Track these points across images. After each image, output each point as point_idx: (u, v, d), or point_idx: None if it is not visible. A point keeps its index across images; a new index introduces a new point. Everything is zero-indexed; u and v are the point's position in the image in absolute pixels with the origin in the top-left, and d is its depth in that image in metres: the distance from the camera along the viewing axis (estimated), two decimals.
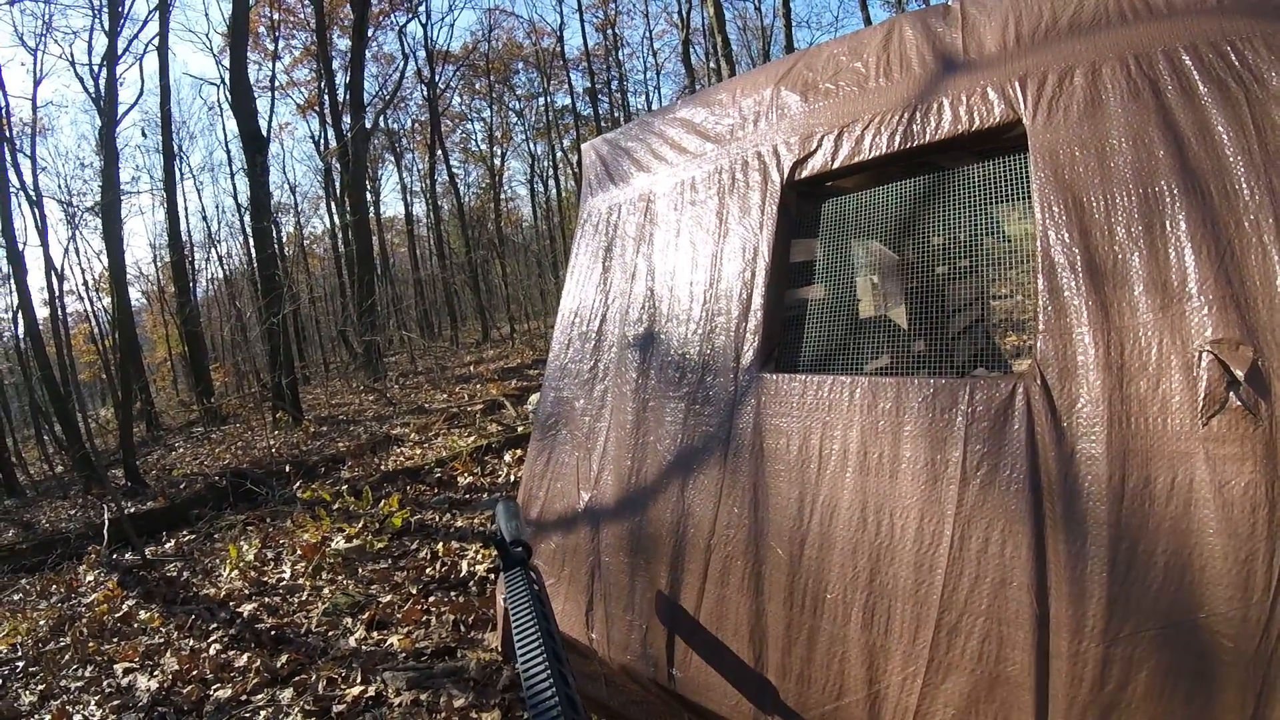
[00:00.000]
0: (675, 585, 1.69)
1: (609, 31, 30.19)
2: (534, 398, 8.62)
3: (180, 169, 24.10)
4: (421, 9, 31.61)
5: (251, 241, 18.77)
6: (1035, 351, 1.22)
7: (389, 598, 4.08)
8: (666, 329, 1.93)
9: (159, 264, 28.59)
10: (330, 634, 3.79)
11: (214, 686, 3.47)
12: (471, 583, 4.12)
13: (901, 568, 1.29)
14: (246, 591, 4.65)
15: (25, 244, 16.61)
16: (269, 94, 25.88)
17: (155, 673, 3.78)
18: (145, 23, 23.79)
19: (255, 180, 13.52)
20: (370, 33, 22.51)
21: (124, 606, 4.93)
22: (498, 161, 32.28)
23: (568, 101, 32.01)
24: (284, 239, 26.89)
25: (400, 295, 29.97)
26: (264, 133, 15.46)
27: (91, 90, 18.88)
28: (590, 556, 1.93)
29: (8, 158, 14.18)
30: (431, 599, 3.95)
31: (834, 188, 1.86)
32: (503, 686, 2.93)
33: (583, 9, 28.46)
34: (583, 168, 2.51)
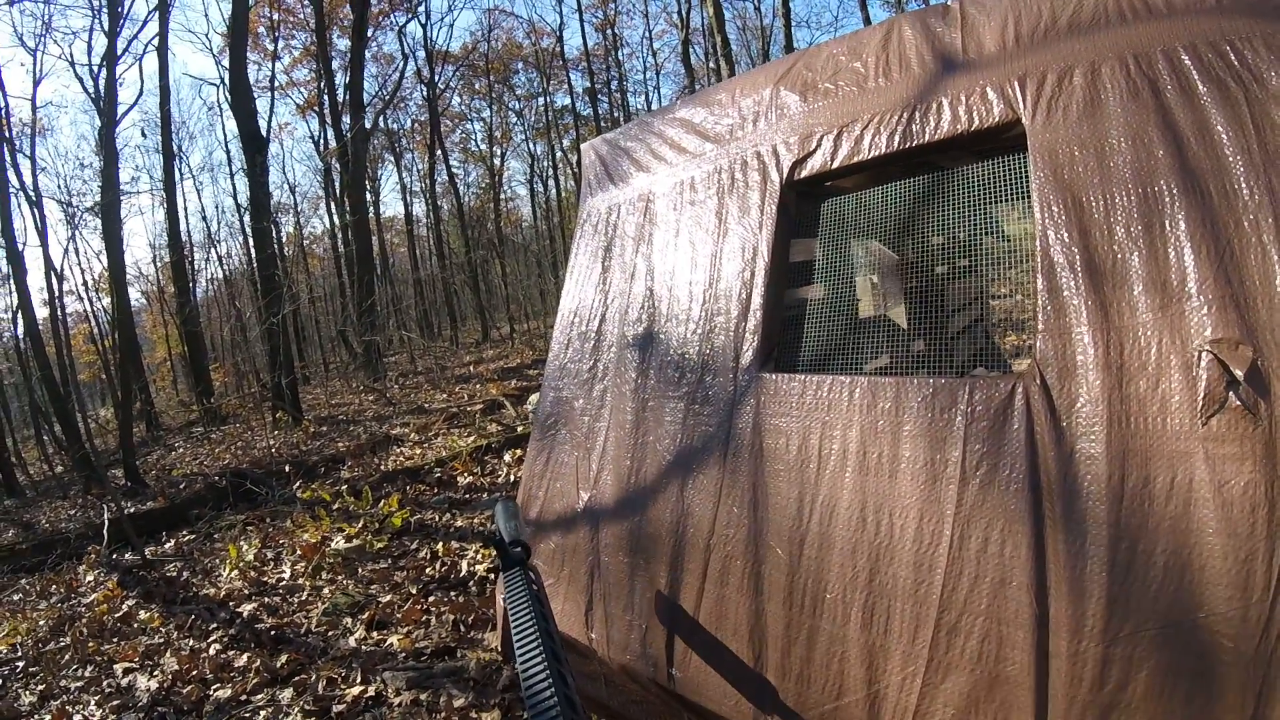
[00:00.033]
0: (675, 585, 1.69)
1: (608, 31, 30.21)
2: (533, 397, 8.62)
3: (180, 169, 24.13)
4: (421, 9, 31.60)
5: (251, 241, 18.76)
6: (1035, 351, 1.22)
7: (389, 598, 4.08)
8: (666, 329, 1.93)
9: (159, 264, 28.61)
10: (330, 634, 3.79)
11: (214, 686, 3.47)
12: (471, 582, 4.12)
13: (901, 567, 1.29)
14: (246, 591, 4.65)
15: (25, 244, 16.63)
16: (269, 94, 25.91)
17: (155, 673, 3.78)
18: (145, 23, 23.81)
19: (255, 180, 13.52)
20: (370, 33, 22.51)
21: (124, 606, 4.93)
22: (497, 161, 32.31)
23: (567, 101, 32.03)
24: (284, 239, 26.91)
25: (400, 295, 29.97)
26: (264, 133, 15.47)
27: (91, 90, 18.89)
28: (590, 556, 1.93)
29: (7, 158, 14.18)
30: (431, 599, 3.95)
31: (833, 187, 1.86)
32: (503, 686, 2.93)
33: (582, 9, 28.48)
34: (582, 168, 2.51)
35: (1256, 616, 0.94)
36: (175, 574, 5.49)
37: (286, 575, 4.83)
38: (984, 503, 1.21)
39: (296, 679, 3.35)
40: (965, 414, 1.27)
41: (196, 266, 26.57)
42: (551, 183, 34.40)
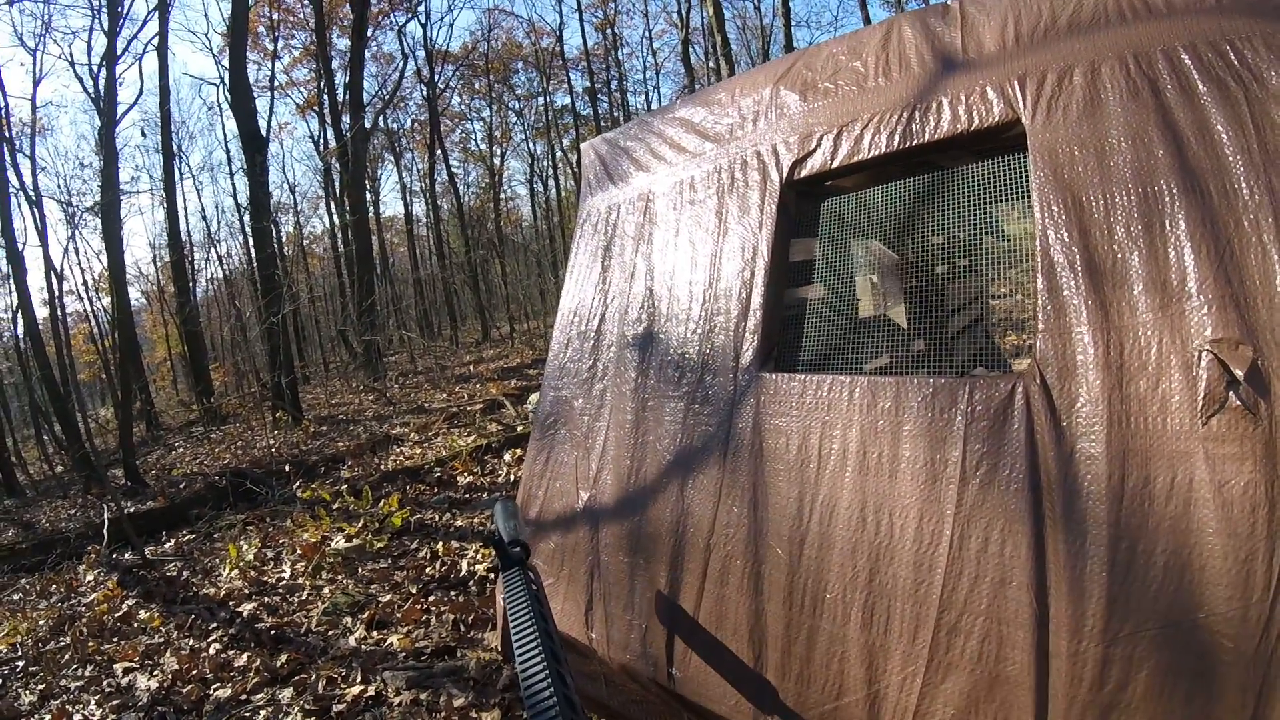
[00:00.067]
0: (675, 585, 1.69)
1: (608, 31, 30.19)
2: (533, 397, 8.62)
3: (180, 169, 24.12)
4: (421, 9, 31.60)
5: (251, 241, 18.74)
6: (1035, 351, 1.21)
7: (389, 597, 4.08)
8: (666, 328, 1.93)
9: (158, 264, 28.62)
10: (330, 633, 3.79)
11: (214, 686, 3.47)
12: (471, 582, 4.12)
13: (901, 567, 1.29)
14: (246, 591, 4.65)
15: (25, 244, 16.64)
16: (268, 94, 25.89)
17: (155, 672, 3.78)
18: (144, 23, 23.80)
19: (255, 180, 13.51)
20: (370, 32, 22.50)
21: (124, 606, 4.93)
22: (497, 161, 32.28)
23: (567, 101, 32.00)
24: (283, 239, 26.90)
25: (400, 295, 29.97)
26: (263, 132, 15.47)
27: (91, 90, 18.89)
28: (589, 556, 1.93)
29: (7, 158, 14.18)
30: (431, 598, 3.95)
31: (833, 187, 1.86)
32: (502, 686, 2.93)
33: (582, 8, 28.45)
34: (582, 167, 2.51)
35: (1256, 616, 0.94)
36: (175, 573, 5.49)
37: (286, 575, 4.82)
38: (984, 502, 1.21)
39: (296, 678, 3.35)
40: (965, 414, 1.27)
41: (196, 266, 26.59)
42: (551, 182, 34.41)
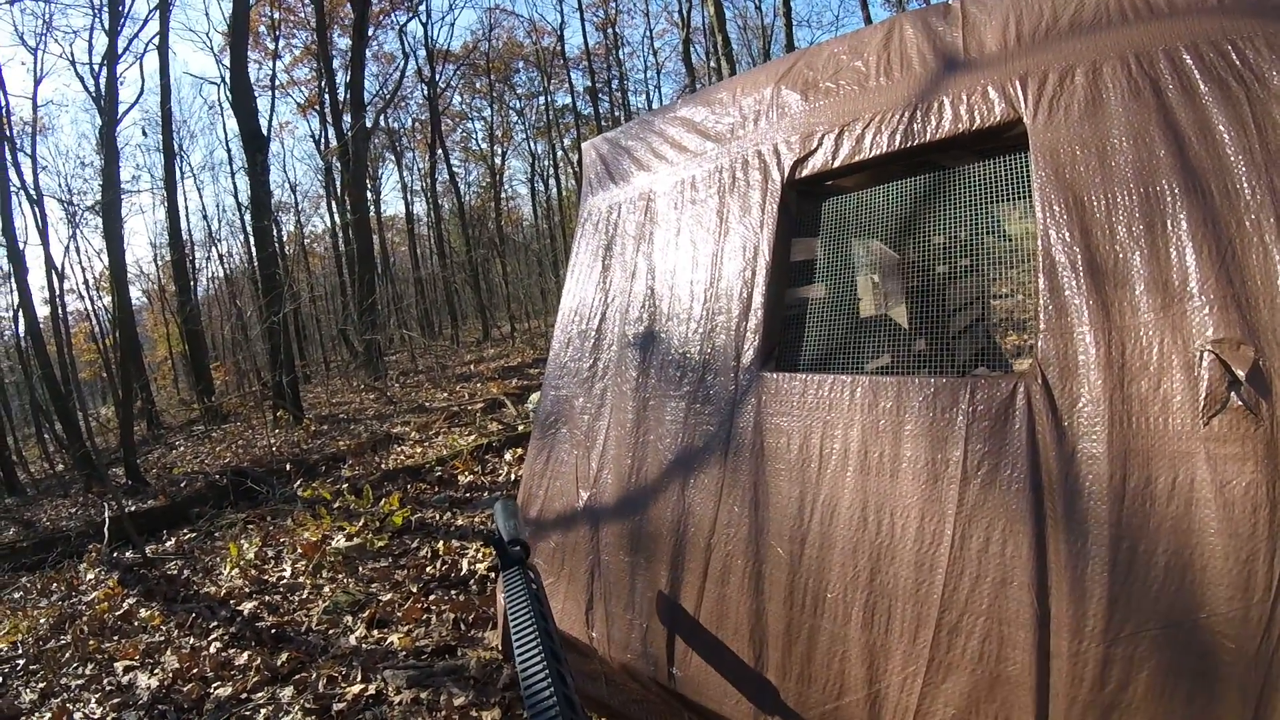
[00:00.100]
0: (675, 584, 1.69)
1: (609, 30, 30.16)
2: (534, 396, 8.62)
3: (181, 168, 24.10)
4: (422, 8, 31.59)
5: (252, 240, 18.78)
6: (1036, 351, 1.21)
7: (389, 596, 4.08)
8: (667, 328, 1.93)
9: (159, 263, 28.60)
10: (331, 632, 3.79)
11: (214, 684, 3.47)
12: (472, 581, 4.12)
13: (902, 567, 1.29)
14: (247, 590, 4.65)
15: (26, 243, 16.66)
16: (269, 93, 25.88)
17: (156, 671, 3.78)
18: (145, 22, 23.77)
19: (255, 179, 13.51)
20: (370, 32, 22.51)
21: (124, 604, 4.93)
22: (498, 160, 32.25)
23: (568, 100, 32.00)
24: (284, 238, 26.92)
25: (401, 294, 29.98)
26: (264, 132, 15.47)
27: (92, 89, 18.87)
28: (590, 555, 1.93)
29: (8, 157, 14.18)
30: (432, 597, 3.95)
31: (834, 187, 1.85)
32: (503, 685, 2.93)
33: (583, 8, 28.43)
34: (583, 166, 2.51)
35: (1258, 617, 0.93)
36: (176, 572, 5.49)
37: (287, 574, 4.83)
38: (985, 502, 1.21)
39: (297, 677, 3.35)
40: (966, 413, 1.27)
41: (197, 265, 26.56)
42: (552, 181, 34.40)
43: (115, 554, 6.37)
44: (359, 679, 3.19)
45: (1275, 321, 0.98)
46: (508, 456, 6.71)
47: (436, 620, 3.67)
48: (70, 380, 15.12)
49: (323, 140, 27.14)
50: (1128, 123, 1.18)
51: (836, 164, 1.61)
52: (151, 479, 10.73)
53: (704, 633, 1.60)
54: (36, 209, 16.53)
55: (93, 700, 3.63)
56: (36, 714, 3.64)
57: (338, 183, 24.72)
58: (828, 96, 1.67)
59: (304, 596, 4.39)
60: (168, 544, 6.53)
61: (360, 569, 4.59)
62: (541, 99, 31.11)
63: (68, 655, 4.27)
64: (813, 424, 1.50)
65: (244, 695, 3.30)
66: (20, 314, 16.74)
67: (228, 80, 16.21)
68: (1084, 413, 1.13)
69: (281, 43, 26.04)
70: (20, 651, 4.57)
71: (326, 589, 4.40)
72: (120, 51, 15.26)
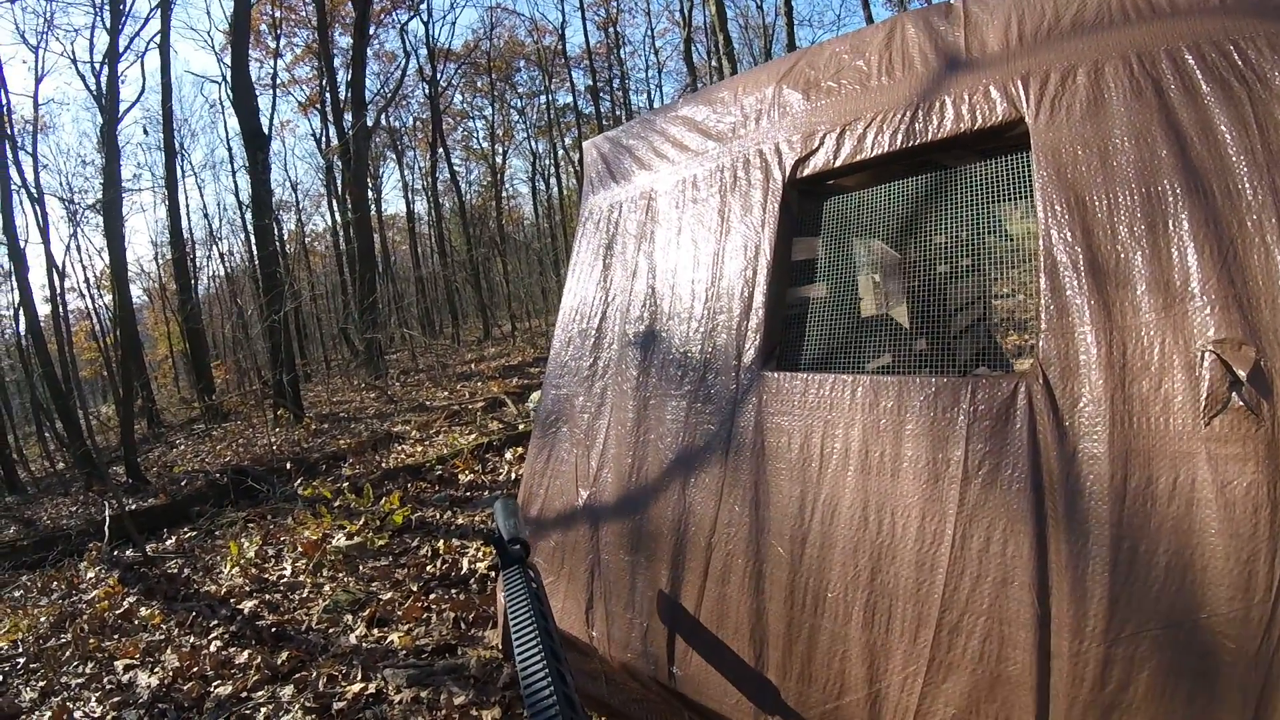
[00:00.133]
0: (676, 583, 1.69)
1: (611, 29, 30.16)
2: (535, 395, 8.62)
3: (182, 166, 24.10)
4: (423, 7, 31.62)
5: (253, 239, 18.80)
6: (1037, 351, 1.21)
7: (390, 595, 4.09)
8: (668, 327, 1.93)
9: (160, 261, 28.61)
10: (331, 631, 3.79)
11: (214, 683, 3.47)
12: (472, 580, 4.12)
13: (903, 567, 1.29)
14: (247, 588, 4.65)
15: (27, 241, 16.69)
16: (270, 91, 25.88)
17: (156, 669, 3.78)
18: (147, 20, 23.87)
19: (256, 178, 13.51)
20: (372, 30, 22.49)
21: (125, 603, 4.94)
22: (499, 159, 32.24)
23: (569, 99, 32.05)
24: (285, 236, 26.88)
25: (402, 293, 29.99)
26: (265, 130, 15.46)
27: (93, 88, 18.88)
28: (590, 554, 1.93)
29: (9, 155, 14.20)
30: (432, 596, 3.95)
31: (836, 186, 1.85)
32: (503, 684, 2.93)
33: (584, 7, 28.42)
34: (584, 165, 2.51)
35: (1258, 617, 0.93)
36: (176, 571, 5.49)
37: (287, 572, 4.83)
38: (986, 502, 1.21)
39: (297, 676, 3.35)
40: (967, 413, 1.27)
41: (198, 264, 26.64)
42: (553, 181, 34.40)
43: (116, 552, 6.37)
44: (359, 678, 3.19)
45: (1277, 322, 0.98)
46: (508, 455, 6.71)
47: (437, 619, 3.67)
48: (71, 378, 15.15)
49: (324, 139, 27.15)
50: (1129, 122, 1.17)
51: (838, 163, 1.61)
52: (152, 477, 10.74)
53: (704, 632, 1.60)
54: (37, 207, 16.58)
55: (93, 699, 3.63)
56: (37, 712, 3.64)
57: (339, 181, 24.74)
58: (829, 96, 1.67)
59: (304, 595, 4.39)
60: (168, 542, 6.53)
61: (360, 568, 4.60)
62: (543, 98, 31.15)
63: (68, 654, 4.28)
64: (814, 423, 1.50)
65: (244, 694, 3.31)
66: (21, 312, 16.77)
67: (229, 79, 16.22)
68: (1085, 413, 1.13)
69: (283, 41, 26.06)
70: (20, 650, 4.58)
71: (327, 588, 4.40)
72: (121, 50, 15.28)
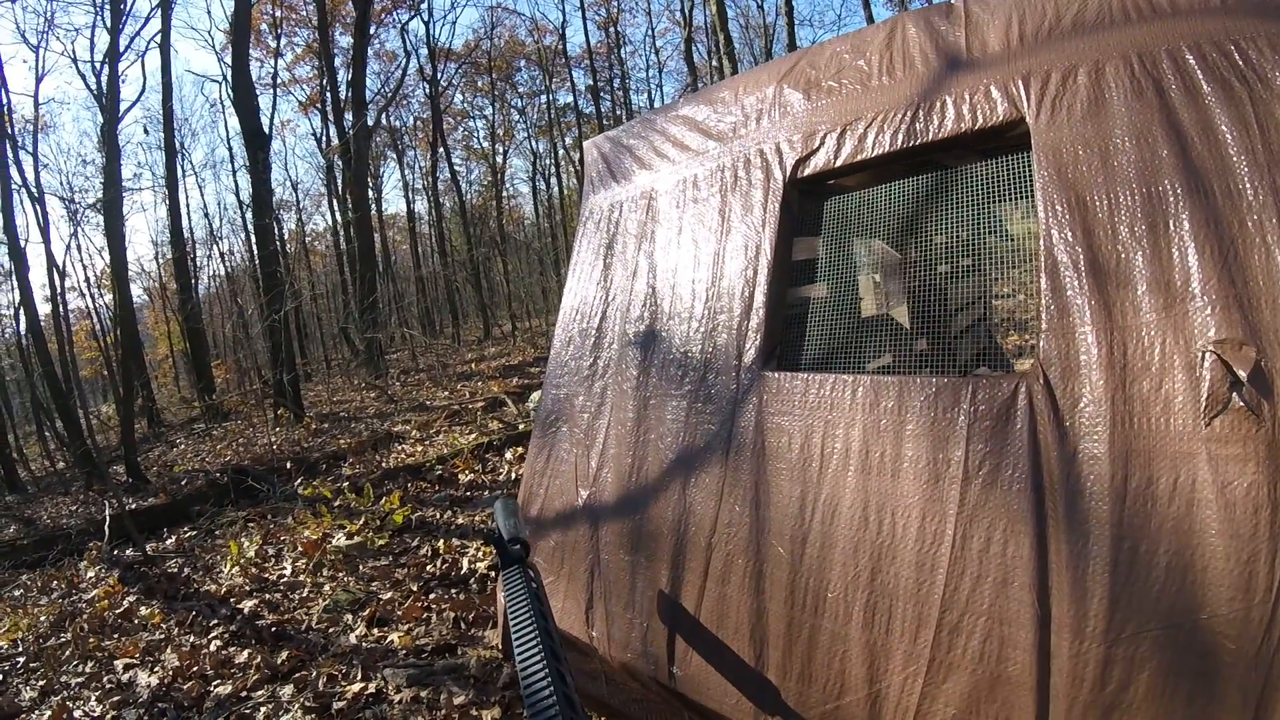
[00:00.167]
0: (676, 583, 1.69)
1: (611, 29, 30.15)
2: (535, 395, 8.62)
3: (182, 166, 24.09)
4: (424, 6, 31.61)
5: (253, 238, 18.80)
6: (1038, 351, 1.21)
7: (390, 595, 4.09)
8: (668, 326, 1.93)
9: (160, 260, 28.64)
10: (331, 631, 3.79)
11: (214, 683, 3.47)
12: (472, 580, 4.12)
13: (903, 567, 1.29)
14: (247, 588, 4.65)
15: (27, 240, 16.72)
16: (271, 91, 25.86)
17: (156, 669, 3.78)
18: (147, 20, 23.88)
19: (257, 177, 13.51)
20: (372, 30, 22.49)
21: (125, 602, 4.94)
22: (500, 159, 32.24)
23: (570, 99, 32.06)
24: (285, 236, 26.89)
25: (402, 292, 29.98)
26: (266, 130, 15.45)
27: (93, 87, 18.90)
28: (590, 554, 1.93)
29: (10, 154, 14.20)
30: (432, 596, 3.95)
31: (836, 186, 1.85)
32: (503, 684, 2.93)
33: (585, 6, 28.41)
34: (585, 165, 2.51)
35: (1259, 618, 0.93)
36: (176, 570, 5.50)
37: (287, 572, 4.83)
38: (986, 502, 1.21)
39: (297, 675, 3.35)
40: (968, 413, 1.27)
41: (198, 263, 26.63)
42: (554, 180, 34.39)
43: (116, 552, 6.37)
44: (359, 677, 3.19)
45: (1277, 322, 0.98)
46: (508, 455, 6.71)
47: (437, 619, 3.67)
48: (71, 378, 15.15)
49: (324, 138, 27.15)
50: (1130, 122, 1.17)
51: (839, 163, 1.61)
52: (152, 477, 10.74)
53: (704, 632, 1.60)
54: (38, 206, 16.58)
55: (92, 698, 3.63)
56: (36, 712, 3.64)
57: (339, 181, 24.74)
58: (830, 95, 1.67)
59: (304, 595, 4.39)
60: (168, 542, 6.53)
61: (360, 567, 4.60)
62: (543, 97, 31.14)
63: (68, 653, 4.28)
64: (814, 423, 1.50)
65: (244, 693, 3.31)
66: (21, 311, 16.77)
67: (229, 78, 16.22)
68: (1085, 413, 1.13)
69: (283, 41, 26.04)
70: (20, 649, 4.58)
71: (327, 587, 4.40)
72: (122, 49, 15.29)
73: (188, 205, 26.17)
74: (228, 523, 6.52)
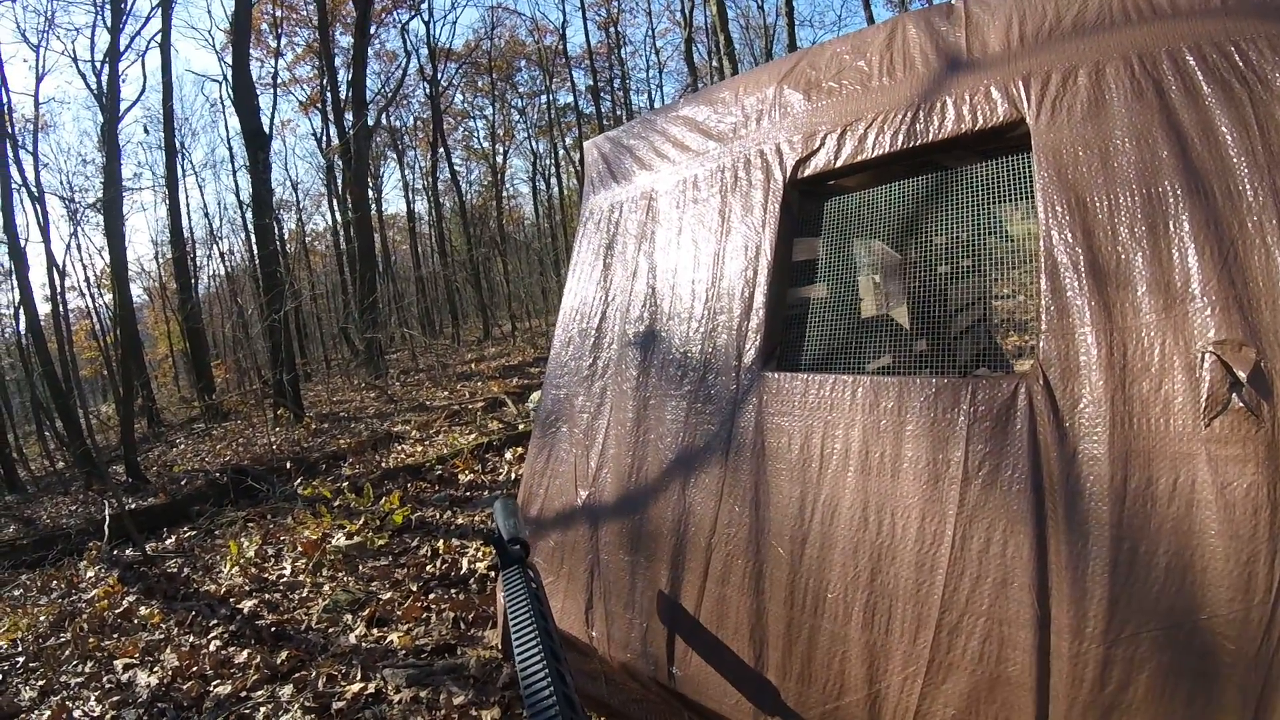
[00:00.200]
0: (675, 584, 1.69)
1: (611, 29, 30.16)
2: (535, 395, 8.62)
3: (182, 165, 24.08)
4: (424, 6, 31.61)
5: (253, 238, 18.81)
6: (1038, 352, 1.21)
7: (389, 595, 4.09)
8: (668, 327, 1.93)
9: (160, 260, 28.63)
10: (330, 631, 3.79)
11: (214, 683, 3.47)
12: (472, 580, 4.12)
13: (903, 567, 1.29)
14: (247, 588, 4.65)
15: (27, 240, 16.75)
16: (271, 91, 25.87)
17: (155, 669, 3.78)
18: (148, 19, 23.89)
19: (257, 177, 13.51)
20: (373, 30, 22.50)
21: (124, 602, 4.94)
22: (500, 159, 32.23)
23: (570, 99, 32.07)
24: (285, 236, 26.89)
25: (402, 292, 29.98)
26: (266, 129, 15.44)
27: (94, 87, 18.92)
28: (590, 554, 1.93)
29: (10, 153, 14.20)
30: (432, 596, 3.95)
31: (837, 186, 1.85)
32: (502, 684, 2.93)
33: (585, 6, 28.42)
34: (585, 165, 2.51)
35: (1258, 619, 0.93)
36: (176, 570, 5.50)
37: (287, 572, 4.83)
38: (986, 503, 1.21)
39: (297, 676, 3.35)
40: (968, 414, 1.27)
41: (198, 263, 26.64)
42: (554, 180, 34.39)
43: (115, 552, 6.37)
44: (358, 677, 3.19)
45: (1277, 323, 0.98)
46: (508, 455, 6.71)
47: (436, 619, 3.67)
48: (71, 377, 15.15)
49: (324, 138, 27.16)
50: (1130, 123, 1.17)
51: (839, 164, 1.61)
52: (152, 477, 10.74)
53: (704, 632, 1.60)
54: (38, 206, 16.61)
55: (92, 698, 3.63)
56: (36, 711, 3.64)
57: (339, 181, 24.74)
58: (830, 96, 1.67)
59: (304, 595, 4.39)
60: (168, 542, 6.53)
61: (360, 567, 4.60)
62: (543, 98, 31.14)
63: (67, 653, 4.28)
64: (814, 424, 1.50)
65: (243, 693, 3.31)
66: (21, 311, 16.78)
67: (229, 78, 16.24)
68: (1085, 414, 1.13)
69: (284, 40, 26.05)
70: (20, 649, 4.58)
71: (326, 587, 4.40)
72: (122, 49, 15.29)
73: (188, 205, 26.20)
74: (227, 523, 6.52)
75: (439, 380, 14.22)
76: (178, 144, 21.11)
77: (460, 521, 5.23)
